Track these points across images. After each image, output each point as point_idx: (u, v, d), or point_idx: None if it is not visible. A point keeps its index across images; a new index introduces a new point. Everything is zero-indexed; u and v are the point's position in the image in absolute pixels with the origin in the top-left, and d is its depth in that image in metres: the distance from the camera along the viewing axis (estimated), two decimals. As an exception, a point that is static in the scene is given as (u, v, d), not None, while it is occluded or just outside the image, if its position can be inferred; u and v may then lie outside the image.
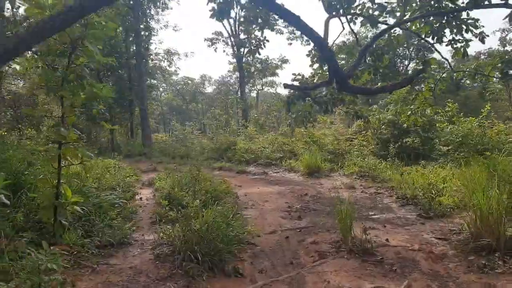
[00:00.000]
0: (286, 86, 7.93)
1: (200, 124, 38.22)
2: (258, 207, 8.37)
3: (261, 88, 65.96)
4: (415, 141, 13.94)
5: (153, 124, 48.73)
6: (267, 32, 30.63)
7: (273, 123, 28.41)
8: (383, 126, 15.56)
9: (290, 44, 35.58)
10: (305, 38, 26.75)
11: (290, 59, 35.00)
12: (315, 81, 8.46)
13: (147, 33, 27.36)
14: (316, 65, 8.81)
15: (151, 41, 29.26)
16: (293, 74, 8.58)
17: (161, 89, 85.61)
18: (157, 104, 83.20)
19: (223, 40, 33.74)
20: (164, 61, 33.37)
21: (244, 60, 31.84)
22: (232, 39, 32.53)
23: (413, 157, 13.71)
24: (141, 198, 9.15)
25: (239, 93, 34.10)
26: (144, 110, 26.02)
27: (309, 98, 8.11)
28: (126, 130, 30.54)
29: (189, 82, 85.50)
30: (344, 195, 8.72)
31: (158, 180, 10.97)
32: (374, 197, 9.33)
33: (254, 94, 60.72)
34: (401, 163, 12.87)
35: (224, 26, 32.95)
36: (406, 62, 34.89)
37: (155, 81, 35.40)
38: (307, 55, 8.88)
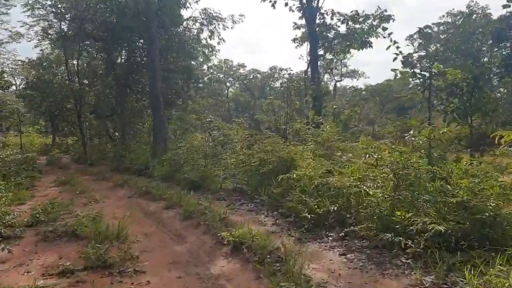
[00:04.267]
0: None
1: (253, 121, 29.18)
2: None
3: (339, 78, 54.34)
4: None
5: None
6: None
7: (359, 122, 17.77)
8: None
9: None
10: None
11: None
12: None
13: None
14: None
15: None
16: None
17: (227, 83, 78.88)
18: (223, 99, 76.49)
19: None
20: (203, 29, 24.07)
21: (318, 19, 21.44)
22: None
23: None
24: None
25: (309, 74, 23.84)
26: (156, 97, 16.97)
27: None
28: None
29: (258, 75, 77.48)
30: None
31: None
32: None
33: (330, 87, 49.69)
34: None
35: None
36: None
37: (193, 62, 26.27)
38: None
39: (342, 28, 22.37)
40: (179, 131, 25.37)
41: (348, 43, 23.65)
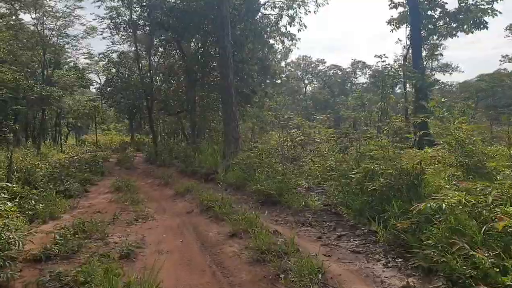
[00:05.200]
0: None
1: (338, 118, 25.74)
2: None
3: (433, 70, 48.19)
4: None
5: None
6: None
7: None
8: None
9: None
10: None
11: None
12: None
13: None
14: None
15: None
16: None
17: (306, 81, 76.02)
18: (301, 98, 73.52)
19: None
20: (282, 15, 21.21)
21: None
22: None
23: None
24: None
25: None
26: (227, 89, 14.53)
27: None
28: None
29: (338, 71, 73.61)
30: None
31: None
32: None
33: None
34: None
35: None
36: None
37: (275, 45, 23.60)
38: None
39: (450, 5, 18.13)
40: (254, 130, 22.96)
41: (456, 24, 19.32)
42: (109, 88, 40.06)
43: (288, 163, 10.92)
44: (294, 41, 23.81)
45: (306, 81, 78.16)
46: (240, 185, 10.72)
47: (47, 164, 17.04)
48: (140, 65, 25.34)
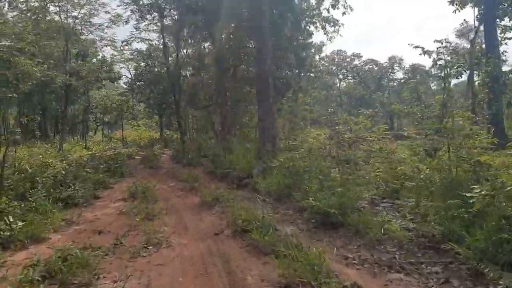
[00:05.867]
0: None
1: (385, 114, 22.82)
2: None
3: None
4: None
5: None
6: None
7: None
8: None
9: None
10: None
11: None
12: None
13: None
14: None
15: None
16: None
17: (340, 76, 73.06)
18: (335, 93, 70.34)
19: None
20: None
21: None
22: None
23: None
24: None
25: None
26: (263, 79, 12.21)
27: None
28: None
29: (375, 67, 70.27)
30: None
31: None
32: None
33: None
34: None
35: None
36: None
37: (314, 31, 21.03)
38: None
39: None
40: (288, 127, 20.54)
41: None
42: (138, 83, 38.76)
43: (343, 168, 8.54)
44: (337, 27, 21.15)
45: (340, 76, 75.31)
46: (281, 195, 8.44)
47: (63, 162, 15.50)
48: (166, 54, 23.40)
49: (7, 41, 20.76)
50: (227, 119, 18.80)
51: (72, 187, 8.97)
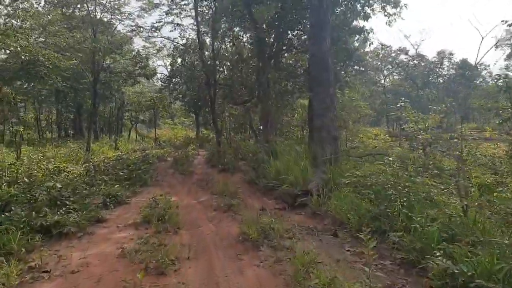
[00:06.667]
0: None
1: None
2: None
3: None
4: None
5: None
6: None
7: None
8: None
9: None
10: None
11: None
12: None
13: None
14: None
15: None
16: None
17: (385, 71, 68.68)
18: (379, 90, 66.15)
19: None
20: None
21: None
22: None
23: None
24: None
25: None
26: (321, 63, 9.31)
27: None
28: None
29: (422, 62, 65.48)
30: None
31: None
32: None
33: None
34: None
35: None
36: None
37: (371, 14, 17.78)
38: None
39: None
40: (350, 126, 17.56)
41: None
42: (173, 80, 36.82)
43: (462, 190, 5.56)
44: (399, 9, 17.90)
45: (385, 72, 70.81)
46: (361, 227, 5.61)
47: (82, 166, 13.41)
48: (201, 46, 20.95)
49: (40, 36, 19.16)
50: (270, 116, 15.99)
51: (64, 208, 6.52)
